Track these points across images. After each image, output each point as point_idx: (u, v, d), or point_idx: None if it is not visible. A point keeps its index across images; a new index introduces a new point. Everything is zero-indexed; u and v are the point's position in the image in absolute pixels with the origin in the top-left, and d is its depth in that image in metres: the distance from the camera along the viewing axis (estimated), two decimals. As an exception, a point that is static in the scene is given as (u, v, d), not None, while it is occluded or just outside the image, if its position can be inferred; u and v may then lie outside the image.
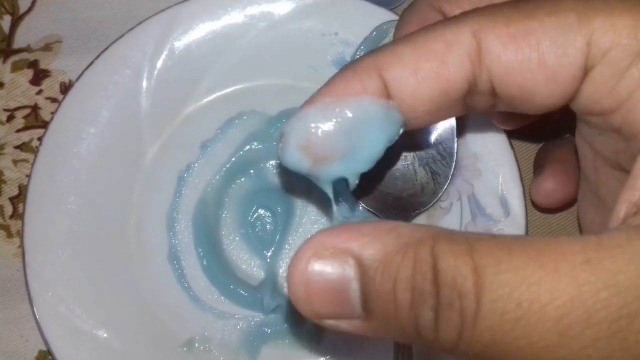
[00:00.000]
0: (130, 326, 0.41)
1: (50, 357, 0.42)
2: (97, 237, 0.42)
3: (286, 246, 0.44)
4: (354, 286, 0.23)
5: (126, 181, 0.43)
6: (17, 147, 0.46)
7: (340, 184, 0.29)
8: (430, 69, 0.26)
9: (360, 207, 0.42)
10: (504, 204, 0.42)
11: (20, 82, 0.47)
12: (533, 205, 0.44)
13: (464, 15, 0.27)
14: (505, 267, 0.22)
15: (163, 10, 0.44)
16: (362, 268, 0.23)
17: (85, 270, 0.42)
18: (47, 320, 0.40)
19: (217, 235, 0.44)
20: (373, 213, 0.41)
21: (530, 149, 0.46)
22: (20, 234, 0.42)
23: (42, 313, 0.40)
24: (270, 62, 0.44)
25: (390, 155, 0.40)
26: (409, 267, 0.22)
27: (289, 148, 0.27)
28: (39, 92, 0.47)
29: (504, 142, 0.42)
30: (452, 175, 0.40)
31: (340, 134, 0.27)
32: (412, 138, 0.40)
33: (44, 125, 0.46)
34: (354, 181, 0.29)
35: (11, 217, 0.45)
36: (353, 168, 0.29)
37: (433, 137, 0.40)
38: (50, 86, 0.47)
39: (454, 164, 0.40)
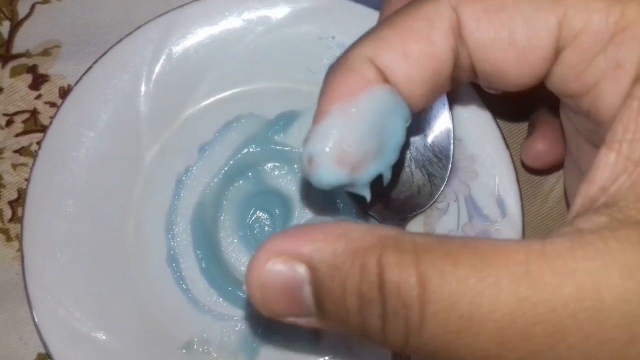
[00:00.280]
0: (129, 328, 0.41)
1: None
2: (96, 240, 0.42)
3: (284, 248, 0.44)
4: (307, 289, 0.24)
5: (125, 184, 0.44)
6: (16, 151, 0.46)
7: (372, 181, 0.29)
8: (418, 50, 0.26)
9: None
10: (501, 204, 0.42)
11: (19, 87, 0.47)
12: (524, 167, 0.44)
13: None
14: (449, 279, 0.22)
15: (161, 14, 0.44)
16: (314, 273, 0.23)
17: (84, 273, 0.42)
18: (46, 323, 0.40)
19: (216, 237, 0.44)
20: (371, 215, 0.41)
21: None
22: (20, 237, 0.42)
23: (41, 316, 0.40)
24: (268, 66, 0.45)
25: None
26: (356, 274, 0.23)
27: (324, 168, 0.26)
28: (38, 97, 0.47)
29: (500, 143, 0.42)
30: (449, 176, 0.41)
31: (368, 132, 0.26)
32: (408, 140, 0.40)
33: (43, 129, 0.46)
34: (388, 175, 0.28)
35: (10, 220, 0.45)
36: (387, 161, 0.28)
37: (429, 139, 0.40)
38: (49, 91, 0.47)
39: (450, 165, 0.40)
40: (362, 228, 0.24)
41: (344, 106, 0.26)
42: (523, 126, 0.46)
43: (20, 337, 0.43)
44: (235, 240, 0.44)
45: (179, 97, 0.44)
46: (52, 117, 0.43)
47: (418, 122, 0.40)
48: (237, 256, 0.44)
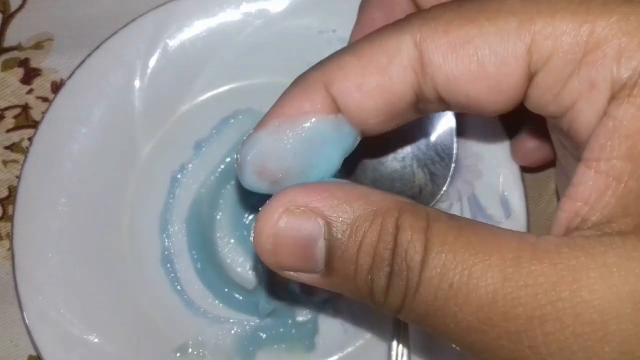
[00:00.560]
0: (122, 331, 0.41)
1: (40, 362, 0.41)
2: (88, 240, 0.42)
3: (282, 248, 0.43)
4: (321, 245, 0.25)
5: (119, 182, 0.43)
6: (7, 147, 0.45)
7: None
8: (374, 83, 0.26)
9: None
10: (505, 204, 0.41)
11: (11, 81, 0.46)
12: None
13: (407, 20, 0.27)
14: (447, 248, 0.24)
15: (157, 7, 0.43)
16: (331, 229, 0.25)
17: (76, 273, 0.41)
18: (37, 325, 0.40)
19: (212, 237, 0.43)
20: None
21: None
22: (10, 236, 0.41)
23: (32, 317, 0.40)
24: (267, 60, 0.44)
25: (388, 157, 0.40)
26: (374, 234, 0.24)
27: (245, 173, 0.28)
28: (30, 92, 0.46)
29: (505, 141, 0.41)
30: (453, 175, 0.40)
31: (293, 155, 0.27)
32: (410, 139, 0.39)
33: (35, 125, 0.45)
34: None
35: (0, 219, 0.44)
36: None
37: (432, 139, 0.40)
38: (41, 85, 0.46)
39: (452, 165, 0.40)
40: (379, 192, 0.25)
41: (281, 125, 0.27)
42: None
43: (10, 338, 0.42)
44: (232, 241, 0.43)
45: (175, 92, 0.44)
46: (44, 113, 0.42)
47: (421, 120, 0.39)
48: (233, 257, 0.43)
